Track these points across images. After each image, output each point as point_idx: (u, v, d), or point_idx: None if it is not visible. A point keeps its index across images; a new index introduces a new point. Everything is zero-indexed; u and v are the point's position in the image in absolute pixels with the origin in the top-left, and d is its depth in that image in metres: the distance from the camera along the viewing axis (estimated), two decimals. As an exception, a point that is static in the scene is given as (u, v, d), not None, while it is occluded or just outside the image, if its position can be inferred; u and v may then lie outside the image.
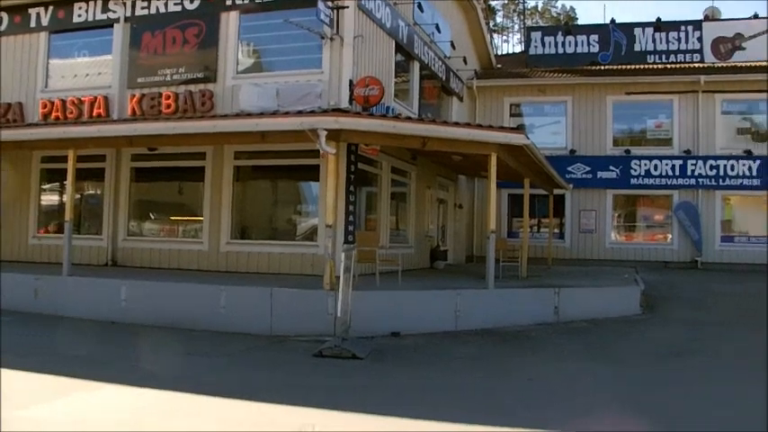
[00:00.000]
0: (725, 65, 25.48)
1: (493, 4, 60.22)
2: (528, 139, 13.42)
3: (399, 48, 18.39)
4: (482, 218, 23.45)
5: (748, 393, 7.96)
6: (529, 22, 60.18)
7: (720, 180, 24.42)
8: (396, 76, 18.33)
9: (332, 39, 15.38)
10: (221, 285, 12.85)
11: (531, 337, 12.09)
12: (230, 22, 16.56)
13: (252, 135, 13.33)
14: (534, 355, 10.76)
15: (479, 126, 14.42)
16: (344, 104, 14.93)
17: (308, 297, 12.25)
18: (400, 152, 17.65)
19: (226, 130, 13.48)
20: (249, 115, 13.77)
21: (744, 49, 25.55)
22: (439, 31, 21.25)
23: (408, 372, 9.64)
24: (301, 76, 15.79)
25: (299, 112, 13.01)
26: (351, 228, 15.09)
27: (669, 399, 7.92)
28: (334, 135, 12.45)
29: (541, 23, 60.12)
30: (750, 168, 24.24)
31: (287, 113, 13.23)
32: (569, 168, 24.68)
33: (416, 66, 19.74)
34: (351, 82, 15.29)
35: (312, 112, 12.88)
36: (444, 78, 22.28)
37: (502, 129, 13.88)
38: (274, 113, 13.59)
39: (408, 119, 14.00)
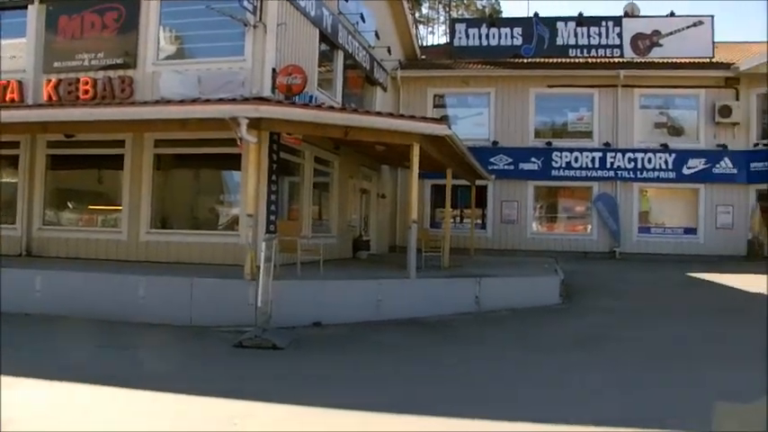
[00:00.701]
0: (643, 60, 26.13)
1: (419, -6, 60.35)
2: (450, 129, 13.50)
3: (323, 37, 18.31)
4: (405, 208, 23.59)
5: (652, 378, 8.35)
6: (454, 14, 60.46)
7: (638, 173, 25.13)
8: (320, 66, 18.22)
9: (255, 26, 15.20)
10: (140, 275, 12.64)
11: (452, 326, 12.21)
12: (151, 8, 16.18)
13: (172, 123, 13.16)
14: (455, 344, 10.87)
15: (401, 116, 14.49)
16: (267, 93, 14.79)
17: (228, 287, 12.13)
18: (323, 142, 17.59)
19: (145, 117, 13.23)
20: (169, 103, 13.57)
21: (661, 45, 26.22)
22: (363, 21, 21.23)
23: (329, 361, 9.65)
24: (224, 63, 15.57)
25: (220, 100, 12.86)
26: (273, 217, 15.00)
27: (584, 382, 8.22)
28: (255, 124, 12.34)
29: (467, 15, 60.45)
30: (666, 161, 24.99)
31: (208, 101, 13.07)
32: (492, 159, 24.98)
33: (340, 55, 19.69)
34: (274, 70, 15.16)
35: (233, 101, 12.75)
36: (368, 68, 22.29)
37: (424, 119, 13.94)
38: (195, 101, 13.39)
39: (330, 108, 13.97)
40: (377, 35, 22.63)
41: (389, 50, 24.11)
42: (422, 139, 13.50)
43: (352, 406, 7.00)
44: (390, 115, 14.40)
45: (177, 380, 8.04)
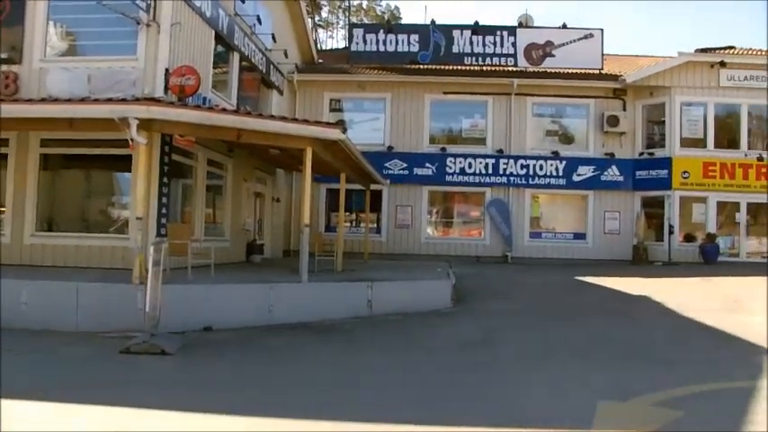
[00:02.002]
0: (536, 70, 26.91)
1: (319, -1, 60.35)
2: (343, 134, 13.55)
3: (219, 38, 18.12)
4: (299, 212, 23.55)
5: (536, 378, 8.62)
6: (354, 19, 60.70)
7: (530, 179, 25.86)
8: (215, 67, 18.04)
9: (148, 25, 14.93)
10: (23, 280, 12.16)
11: (344, 330, 12.27)
12: (38, 2, 15.63)
13: (59, 122, 12.76)
14: (347, 348, 10.94)
15: (295, 120, 14.55)
16: (159, 93, 14.52)
17: (116, 291, 11.84)
18: (217, 144, 17.40)
19: (30, 115, 12.82)
20: (56, 101, 13.12)
21: (554, 56, 27.06)
22: (260, 23, 21.11)
23: (219, 366, 9.56)
24: (115, 62, 15.20)
25: (110, 100, 12.56)
26: (164, 220, 14.73)
27: (471, 383, 8.41)
28: (146, 125, 12.13)
29: (366, 21, 60.78)
30: (557, 168, 25.83)
31: (96, 100, 12.76)
32: (387, 164, 25.23)
33: (236, 57, 19.53)
34: (167, 70, 14.92)
35: (123, 100, 12.46)
36: (265, 71, 22.17)
37: (317, 123, 13.94)
38: (83, 100, 13.05)
39: (223, 110, 13.82)
40: (274, 38, 22.53)
41: (286, 53, 24.05)
42: (315, 143, 13.53)
43: (240, 411, 6.97)
44: (283, 119, 14.38)
45: (58, 388, 7.81)
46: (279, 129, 13.25)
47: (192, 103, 14.70)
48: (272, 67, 22.90)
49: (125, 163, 14.75)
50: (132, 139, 11.80)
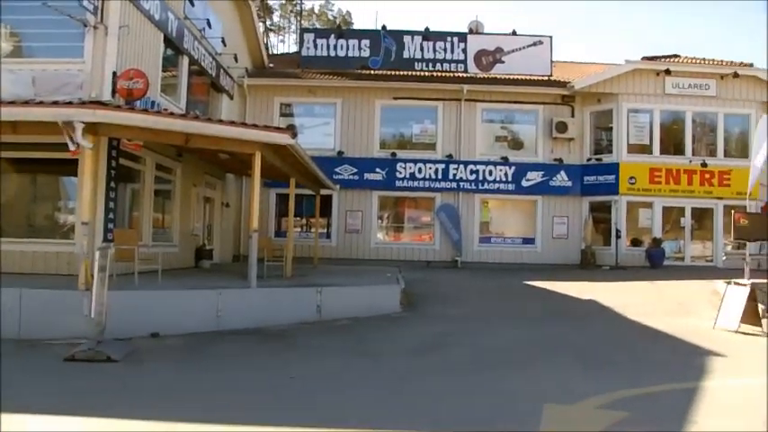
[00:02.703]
0: (486, 76, 27.12)
1: (270, 3, 60.14)
2: (293, 138, 13.54)
3: (168, 41, 17.99)
4: (249, 217, 23.45)
5: (483, 381, 8.81)
6: (306, 24, 60.65)
7: (479, 184, 26.04)
8: (164, 71, 17.89)
9: (95, 27, 14.74)
10: (-39, 286, 11.91)
11: (293, 335, 12.26)
12: (-19, 2, 15.34)
13: (2, 125, 12.45)
14: (296, 354, 10.91)
15: (244, 124, 14.44)
16: (107, 97, 14.35)
17: (61, 298, 11.65)
18: (165, 148, 17.22)
19: (-30, 118, 12.52)
20: (-1, 103, 12.88)
21: (503, 62, 27.33)
22: (210, 27, 20.99)
23: (165, 373, 9.48)
24: (61, 64, 14.95)
25: (55, 103, 12.38)
26: (110, 225, 14.53)
27: (422, 388, 8.51)
28: (92, 129, 12.00)
29: (318, 25, 60.79)
30: (506, 174, 26.05)
31: (41, 103, 12.55)
32: (337, 169, 25.20)
33: (185, 60, 19.39)
34: (114, 74, 14.76)
35: (69, 104, 12.30)
36: (215, 75, 22.03)
37: (266, 128, 13.89)
38: (27, 102, 12.80)
39: (171, 114, 13.67)
40: (224, 42, 22.40)
41: (236, 58, 23.91)
42: (264, 148, 13.50)
43: (185, 418, 6.93)
44: (232, 123, 14.32)
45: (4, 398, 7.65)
46: (227, 133, 13.20)
47: (140, 106, 14.53)
48: (222, 71, 22.76)
49: (72, 167, 14.49)
50: (76, 143, 11.64)
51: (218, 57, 22.23)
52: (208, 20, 20.74)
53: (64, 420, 6.85)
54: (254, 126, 13.85)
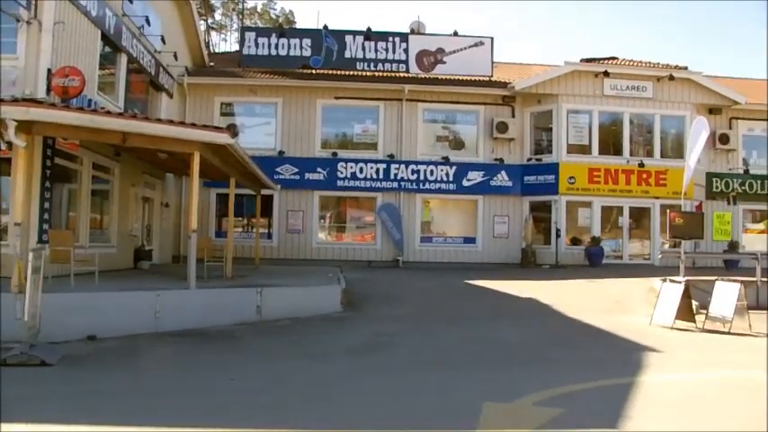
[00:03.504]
0: (427, 76, 27.27)
1: (212, 1, 59.53)
2: (232, 138, 13.45)
3: (106, 38, 17.67)
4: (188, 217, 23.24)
5: (422, 381, 8.85)
6: (248, 22, 60.17)
7: (421, 184, 26.17)
8: (101, 68, 17.58)
9: (29, 23, 14.37)
10: None
11: (234, 336, 12.20)
12: None
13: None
14: (236, 355, 10.84)
15: (182, 123, 14.28)
16: (41, 94, 14.01)
17: (-8, 300, 11.35)
18: (103, 148, 16.87)
19: None
20: (-77, 100, 12.49)
21: (445, 63, 27.51)
22: (149, 24, 20.67)
23: (102, 376, 9.29)
24: (-7, 60, 14.59)
25: (-14, 100, 12.04)
26: (45, 226, 14.20)
27: (362, 387, 8.53)
28: (25, 127, 11.70)
29: (261, 24, 60.37)
30: (447, 173, 26.24)
31: (-29, 101, 12.19)
32: (278, 169, 25.09)
33: (124, 58, 19.06)
34: (49, 71, 14.41)
35: (1, 101, 11.96)
36: (154, 73, 21.70)
37: (205, 127, 13.71)
38: (-44, 100, 12.44)
39: (107, 113, 13.40)
40: (163, 40, 22.08)
41: (176, 56, 23.58)
42: (203, 148, 13.38)
43: (120, 422, 6.82)
44: (171, 122, 14.14)
45: None
46: (166, 132, 13.04)
47: (77, 105, 14.25)
48: (161, 69, 22.45)
49: (5, 166, 14.16)
50: (8, 142, 11.36)
51: (158, 55, 21.91)
52: (147, 17, 20.42)
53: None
54: (193, 125, 13.70)
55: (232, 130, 13.98)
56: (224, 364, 10.15)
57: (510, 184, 26.36)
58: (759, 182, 27.50)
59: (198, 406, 7.63)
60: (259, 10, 64.77)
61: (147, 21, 20.51)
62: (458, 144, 27.20)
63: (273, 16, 64.07)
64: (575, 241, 25.92)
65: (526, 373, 9.45)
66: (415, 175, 26.16)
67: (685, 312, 13.83)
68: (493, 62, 27.59)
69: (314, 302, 14.68)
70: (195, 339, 11.84)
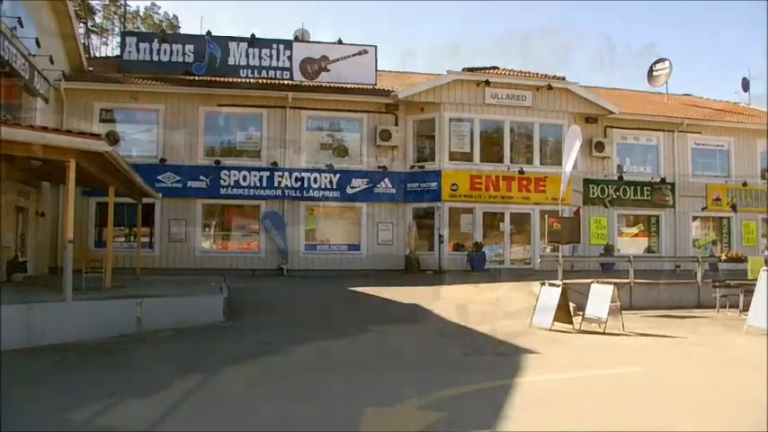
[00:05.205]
0: (312, 84, 27.38)
1: (93, 3, 57.79)
2: (109, 146, 13.08)
3: (-27, 40, 16.90)
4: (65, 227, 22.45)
5: (303, 390, 8.84)
6: (131, 26, 58.74)
7: (305, 191, 26.28)
8: (-31, 72, 16.79)
9: None
10: None
11: (112, 349, 11.89)
12: None
13: None
14: (115, 368, 10.53)
15: (57, 130, 13.82)
16: None
17: None
18: (-29, 155, 16.13)
19: None
20: None
21: (329, 70, 27.72)
22: (22, 26, 19.84)
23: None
24: None
25: None
26: None
27: (243, 397, 8.48)
28: None
29: (144, 29, 59.07)
30: (331, 181, 26.45)
31: None
32: (160, 177, 24.69)
33: (-6, 62, 18.26)
34: None
35: None
36: (28, 77, 20.83)
37: (81, 134, 13.25)
38: None
39: (-28, 119, 12.86)
40: (37, 42, 21.24)
41: (52, 59, 22.76)
42: (80, 156, 12.95)
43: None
44: (44, 129, 13.60)
45: None
46: (38, 139, 12.49)
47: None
48: (35, 73, 21.58)
49: None
50: None
51: (32, 58, 21.07)
52: (19, 18, 19.61)
53: None
54: (68, 132, 13.26)
55: (111, 137, 13.59)
56: (102, 377, 9.82)
57: (394, 191, 26.72)
58: (632, 188, 28.82)
59: (78, 422, 7.40)
60: (142, 14, 63.40)
61: (20, 22, 19.69)
62: (342, 151, 27.36)
63: (157, 21, 62.86)
64: (457, 247, 26.50)
65: (410, 377, 9.58)
66: (298, 183, 26.21)
67: (563, 314, 14.34)
68: (377, 70, 27.97)
69: (197, 312, 14.54)
70: (72, 353, 11.45)
